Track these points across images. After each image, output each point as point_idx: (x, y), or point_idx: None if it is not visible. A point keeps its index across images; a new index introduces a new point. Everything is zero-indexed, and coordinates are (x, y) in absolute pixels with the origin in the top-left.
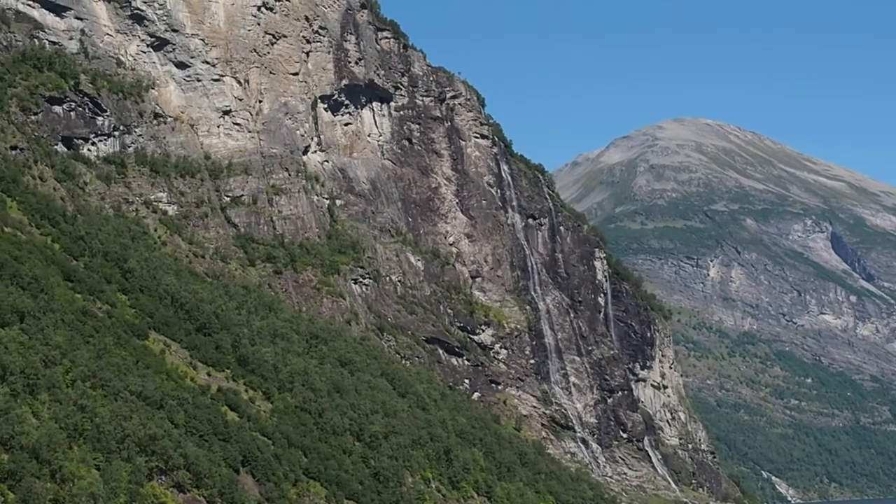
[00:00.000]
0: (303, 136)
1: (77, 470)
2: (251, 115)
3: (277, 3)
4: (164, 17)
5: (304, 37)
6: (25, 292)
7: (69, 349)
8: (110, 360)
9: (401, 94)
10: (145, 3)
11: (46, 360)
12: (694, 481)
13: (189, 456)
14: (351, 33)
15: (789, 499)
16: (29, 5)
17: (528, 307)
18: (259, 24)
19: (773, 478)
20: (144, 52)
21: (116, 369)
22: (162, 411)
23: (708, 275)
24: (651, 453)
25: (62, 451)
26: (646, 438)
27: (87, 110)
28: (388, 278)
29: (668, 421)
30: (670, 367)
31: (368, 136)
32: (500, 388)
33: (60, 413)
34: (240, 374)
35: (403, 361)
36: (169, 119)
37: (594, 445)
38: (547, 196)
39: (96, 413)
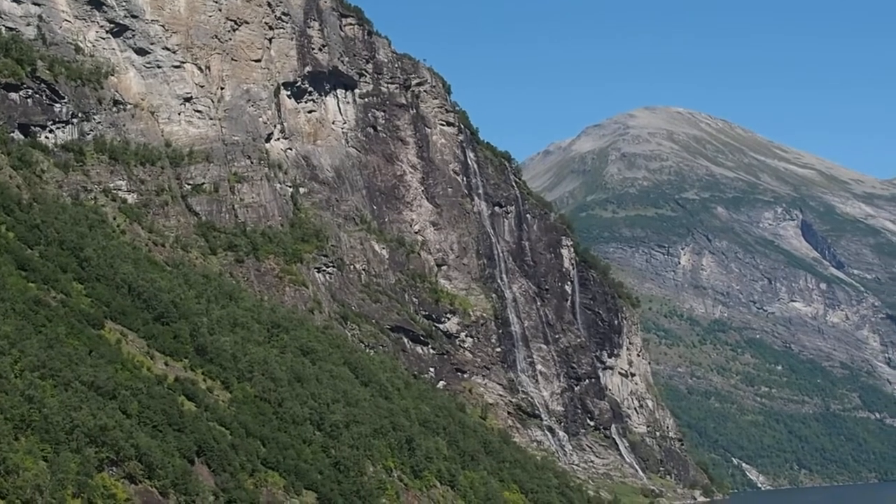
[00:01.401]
0: (265, 123)
1: (22, 461)
2: (212, 102)
3: None
4: (124, 3)
5: (266, 23)
6: None
7: (18, 339)
8: (62, 349)
9: (365, 81)
10: None
11: None
12: (662, 469)
13: (141, 446)
14: (314, 19)
15: (759, 485)
16: None
17: (494, 295)
18: (220, 10)
19: (744, 465)
20: (103, 39)
21: (68, 359)
22: (114, 402)
23: (679, 263)
24: (618, 441)
25: (7, 442)
26: (613, 426)
27: (44, 97)
28: (352, 267)
29: (635, 409)
30: (638, 355)
31: (332, 123)
32: (465, 376)
33: (6, 404)
34: (198, 363)
35: (367, 350)
36: (129, 106)
37: (561, 433)
38: (513, 184)
39: (45, 404)
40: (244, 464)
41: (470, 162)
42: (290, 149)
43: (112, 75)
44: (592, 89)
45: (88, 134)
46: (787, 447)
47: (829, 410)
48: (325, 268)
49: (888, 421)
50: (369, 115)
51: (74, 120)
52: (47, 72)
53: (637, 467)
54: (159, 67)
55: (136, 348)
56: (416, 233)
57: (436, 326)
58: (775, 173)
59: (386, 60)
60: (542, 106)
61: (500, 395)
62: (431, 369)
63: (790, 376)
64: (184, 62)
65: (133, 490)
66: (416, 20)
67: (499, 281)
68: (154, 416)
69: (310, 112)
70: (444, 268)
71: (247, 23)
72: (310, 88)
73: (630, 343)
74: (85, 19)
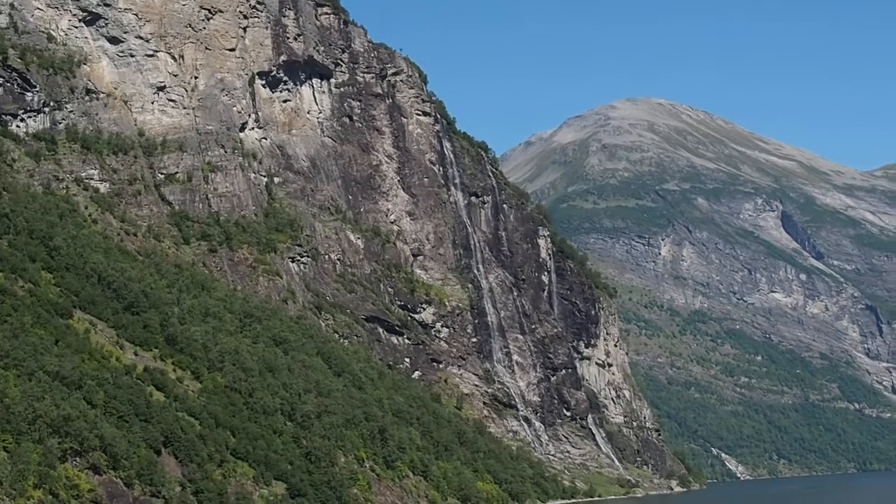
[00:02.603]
0: (240, 112)
1: None
2: (186, 91)
3: None
4: None
5: (241, 12)
6: None
7: None
8: (27, 339)
9: (341, 71)
10: None
11: None
12: (638, 459)
13: (106, 437)
14: (290, 9)
15: (739, 475)
16: None
17: (470, 285)
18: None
19: (723, 455)
20: (76, 27)
21: (33, 349)
22: (79, 392)
23: (659, 254)
24: (595, 431)
25: None
26: (590, 416)
27: (15, 86)
28: (326, 256)
29: (612, 399)
30: (615, 345)
31: (308, 112)
32: (441, 366)
33: None
34: (168, 353)
35: (341, 340)
36: (101, 95)
37: (537, 424)
38: (490, 174)
39: (6, 394)
40: (212, 454)
41: (446, 152)
42: (265, 138)
43: (84, 64)
44: (574, 80)
45: (60, 123)
46: (766, 437)
47: (808, 401)
48: (299, 258)
49: (867, 411)
50: (345, 104)
51: (46, 109)
52: (19, 60)
53: (613, 457)
54: (132, 56)
55: (104, 338)
56: (391, 223)
57: (411, 317)
58: (756, 164)
59: (362, 50)
60: (524, 97)
61: (476, 386)
62: (406, 360)
63: (770, 367)
64: (157, 51)
65: (97, 481)
66: (395, 9)
67: (475, 271)
68: (120, 406)
69: (285, 101)
70: (419, 258)
71: (221, 11)
72: (285, 78)
73: (607, 333)
74: (57, 8)
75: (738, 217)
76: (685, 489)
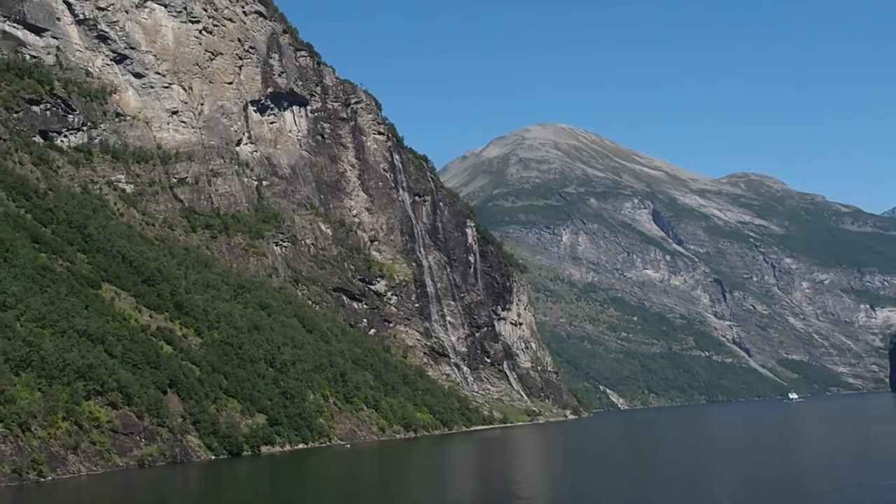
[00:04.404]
0: (236, 131)
1: (20, 393)
2: (194, 115)
3: (216, 28)
4: (124, 38)
5: (237, 54)
6: None
7: (24, 296)
8: (61, 305)
9: (315, 100)
10: (109, 26)
11: (2, 305)
12: (542, 394)
13: (122, 380)
14: (275, 52)
15: (619, 406)
16: (14, 27)
17: (414, 264)
18: (201, 44)
19: (608, 390)
20: (108, 65)
21: (66, 312)
22: (102, 345)
23: (561, 240)
24: (509, 374)
25: (7, 377)
26: (505, 363)
27: (60, 110)
28: (303, 242)
29: (522, 349)
30: (525, 309)
31: (289, 132)
32: (391, 325)
33: (9, 347)
34: (176, 315)
35: (313, 306)
36: (128, 117)
37: (465, 369)
38: (430, 179)
39: (42, 347)
40: (208, 393)
41: (396, 162)
42: (256, 151)
43: (115, 93)
44: (498, 107)
45: (95, 139)
46: (640, 377)
47: (671, 350)
48: (281, 242)
49: (714, 358)
50: (318, 126)
51: (84, 128)
52: (63, 90)
53: (523, 394)
54: (152, 87)
55: (126, 304)
56: (353, 216)
57: (368, 287)
58: (633, 174)
59: (331, 84)
60: (460, 120)
61: (418, 340)
62: (364, 320)
63: (643, 325)
64: (171, 84)
65: (114, 414)
66: (359, 47)
67: (417, 253)
68: (135, 356)
69: (271, 123)
70: (375, 243)
71: (221, 54)
72: (271, 105)
73: (519, 300)
74: (93, 50)
75: (619, 213)
76: (577, 416)
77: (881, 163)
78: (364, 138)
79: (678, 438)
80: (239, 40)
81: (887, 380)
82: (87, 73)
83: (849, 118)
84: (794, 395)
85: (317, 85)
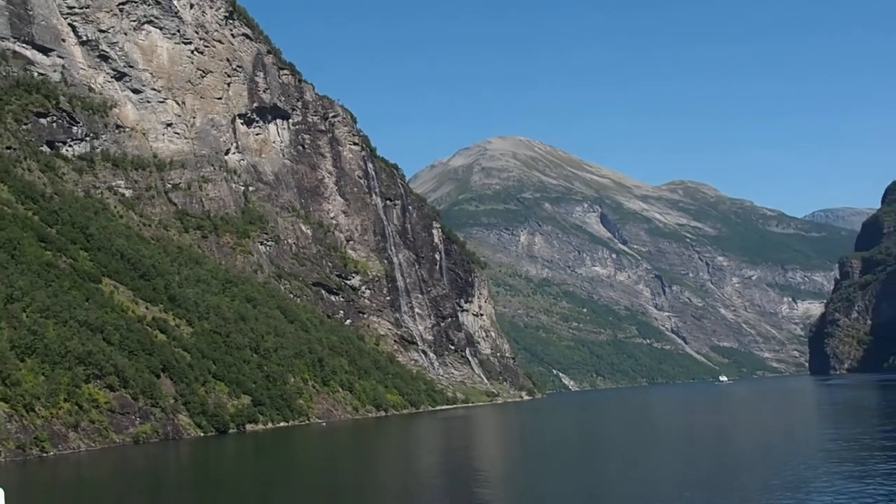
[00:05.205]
0: (225, 142)
1: (25, 377)
2: (187, 127)
3: (206, 48)
4: (124, 57)
5: (226, 72)
6: (1, 250)
7: (30, 290)
8: (64, 297)
9: (296, 114)
10: (109, 46)
11: (9, 298)
12: (500, 378)
13: (119, 365)
14: (260, 71)
15: (570, 388)
16: (23, 47)
17: (385, 261)
18: (193, 63)
19: (560, 374)
20: (109, 82)
21: (68, 304)
22: (101, 334)
23: (519, 240)
24: (471, 360)
25: (13, 363)
26: (467, 349)
27: (65, 122)
28: (285, 241)
29: (483, 337)
30: (486, 302)
31: (273, 142)
32: (365, 316)
33: (15, 336)
34: (170, 307)
35: (295, 299)
36: (127, 129)
37: (431, 355)
38: (400, 185)
39: (45, 335)
40: (198, 377)
41: (370, 170)
42: (243, 160)
43: (115, 107)
44: (463, 120)
45: (97, 148)
46: (589, 362)
47: (616, 338)
48: (266, 242)
49: (655, 345)
50: (299, 137)
51: (87, 138)
52: (67, 104)
53: (483, 377)
54: (149, 102)
55: (124, 297)
56: (331, 218)
57: (344, 282)
58: (584, 181)
59: (311, 100)
60: (430, 131)
61: (389, 329)
62: (340, 311)
63: (592, 316)
64: (166, 99)
65: (112, 396)
66: (337, 64)
67: (389, 251)
68: (131, 343)
69: (257, 134)
70: (350, 242)
71: (212, 72)
72: (257, 118)
73: (480, 293)
74: (95, 68)
75: (571, 216)
76: (532, 397)
77: (805, 167)
78: (341, 148)
79: (618, 413)
80: (227, 60)
81: (807, 364)
82: (90, 89)
83: (760, 115)
84: (724, 378)
85: (298, 100)
